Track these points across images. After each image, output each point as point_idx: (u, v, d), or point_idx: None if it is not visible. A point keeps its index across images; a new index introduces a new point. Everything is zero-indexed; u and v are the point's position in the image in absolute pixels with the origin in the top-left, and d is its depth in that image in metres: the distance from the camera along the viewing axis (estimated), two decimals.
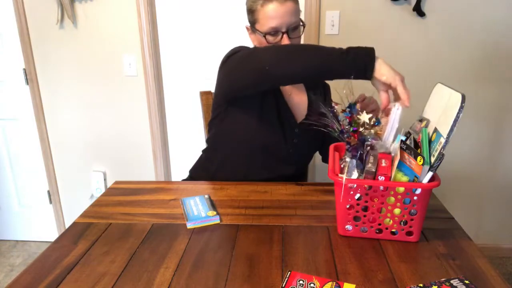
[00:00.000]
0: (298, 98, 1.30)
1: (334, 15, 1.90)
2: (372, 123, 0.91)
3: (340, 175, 0.89)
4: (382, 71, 0.92)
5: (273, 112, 1.22)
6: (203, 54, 2.08)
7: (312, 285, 0.74)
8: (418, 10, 1.85)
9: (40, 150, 2.30)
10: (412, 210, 0.87)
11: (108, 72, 2.12)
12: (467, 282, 0.73)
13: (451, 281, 0.73)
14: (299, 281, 0.75)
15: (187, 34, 2.06)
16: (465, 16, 1.86)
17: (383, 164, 0.86)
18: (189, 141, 2.24)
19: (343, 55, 0.93)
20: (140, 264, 0.84)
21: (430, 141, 0.89)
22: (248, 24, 1.23)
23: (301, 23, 1.18)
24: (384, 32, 1.91)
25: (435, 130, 0.89)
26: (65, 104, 2.21)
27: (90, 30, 2.06)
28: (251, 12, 1.18)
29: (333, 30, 1.92)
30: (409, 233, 0.89)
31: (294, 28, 1.16)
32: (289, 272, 0.78)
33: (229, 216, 1.03)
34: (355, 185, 0.86)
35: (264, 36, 1.16)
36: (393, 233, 0.90)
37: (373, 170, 0.85)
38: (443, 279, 0.75)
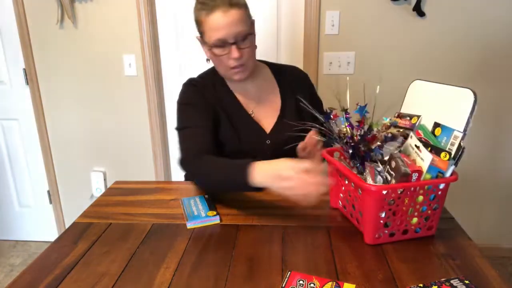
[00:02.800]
0: (264, 113, 1.24)
1: (334, 15, 1.90)
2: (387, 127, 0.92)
3: (370, 182, 0.86)
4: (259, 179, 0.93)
5: (240, 131, 1.19)
6: (203, 53, 2.07)
7: (312, 285, 0.74)
8: (418, 10, 1.85)
9: (40, 150, 2.30)
10: (435, 205, 0.88)
11: (108, 72, 2.12)
12: (467, 282, 0.73)
13: (451, 281, 0.73)
14: (299, 281, 0.75)
15: (187, 34, 2.06)
16: (465, 16, 1.86)
17: (409, 162, 0.86)
18: None
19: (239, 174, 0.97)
20: (140, 264, 0.84)
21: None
22: (198, 35, 1.17)
23: (251, 32, 1.10)
24: (384, 32, 1.91)
25: (437, 125, 0.89)
26: (65, 104, 2.21)
27: (90, 30, 2.06)
28: (198, 24, 1.12)
29: (333, 30, 1.92)
30: (429, 228, 0.91)
31: (243, 38, 1.07)
32: (289, 272, 0.78)
33: (229, 216, 1.03)
34: (387, 191, 0.83)
35: (211, 49, 1.09)
36: (416, 231, 0.91)
37: (409, 171, 0.82)
38: (443, 279, 0.75)
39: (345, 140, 0.92)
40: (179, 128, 1.19)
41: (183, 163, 1.12)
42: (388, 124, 0.94)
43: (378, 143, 0.88)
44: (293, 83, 1.28)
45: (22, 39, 2.09)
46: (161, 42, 2.09)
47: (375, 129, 0.89)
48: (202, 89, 1.21)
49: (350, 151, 0.91)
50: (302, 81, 1.31)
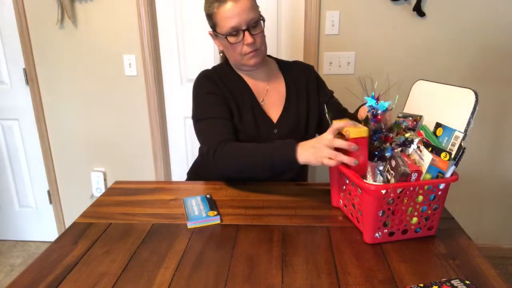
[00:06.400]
0: (272, 102, 1.27)
1: (334, 15, 1.90)
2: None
3: (369, 181, 0.86)
4: (304, 158, 1.00)
5: (251, 120, 1.21)
6: (203, 54, 2.08)
7: None
8: (418, 10, 1.85)
9: (40, 150, 2.30)
10: (435, 205, 0.88)
11: (108, 72, 2.12)
12: (468, 282, 0.73)
13: (452, 281, 0.73)
14: None
15: (187, 34, 2.06)
16: (465, 16, 1.86)
17: (409, 162, 0.86)
18: (189, 141, 2.24)
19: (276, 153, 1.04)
20: (140, 264, 0.84)
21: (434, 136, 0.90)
22: (211, 30, 1.23)
23: (260, 18, 1.17)
24: (384, 32, 1.91)
25: (439, 125, 0.90)
26: (65, 104, 2.21)
27: (90, 30, 2.06)
28: (209, 17, 1.18)
29: (333, 30, 1.91)
30: (430, 228, 0.91)
31: (254, 24, 1.15)
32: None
33: (229, 216, 1.03)
34: (386, 191, 0.83)
35: (226, 38, 1.15)
36: (416, 231, 0.91)
37: (408, 170, 0.83)
38: (444, 279, 0.75)
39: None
40: (199, 119, 1.21)
41: (209, 151, 1.13)
42: (403, 127, 0.94)
43: (393, 145, 0.89)
44: (298, 75, 1.31)
45: (22, 39, 2.09)
46: (161, 42, 2.09)
47: (395, 131, 0.91)
48: (216, 80, 1.24)
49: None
50: (308, 72, 1.33)
